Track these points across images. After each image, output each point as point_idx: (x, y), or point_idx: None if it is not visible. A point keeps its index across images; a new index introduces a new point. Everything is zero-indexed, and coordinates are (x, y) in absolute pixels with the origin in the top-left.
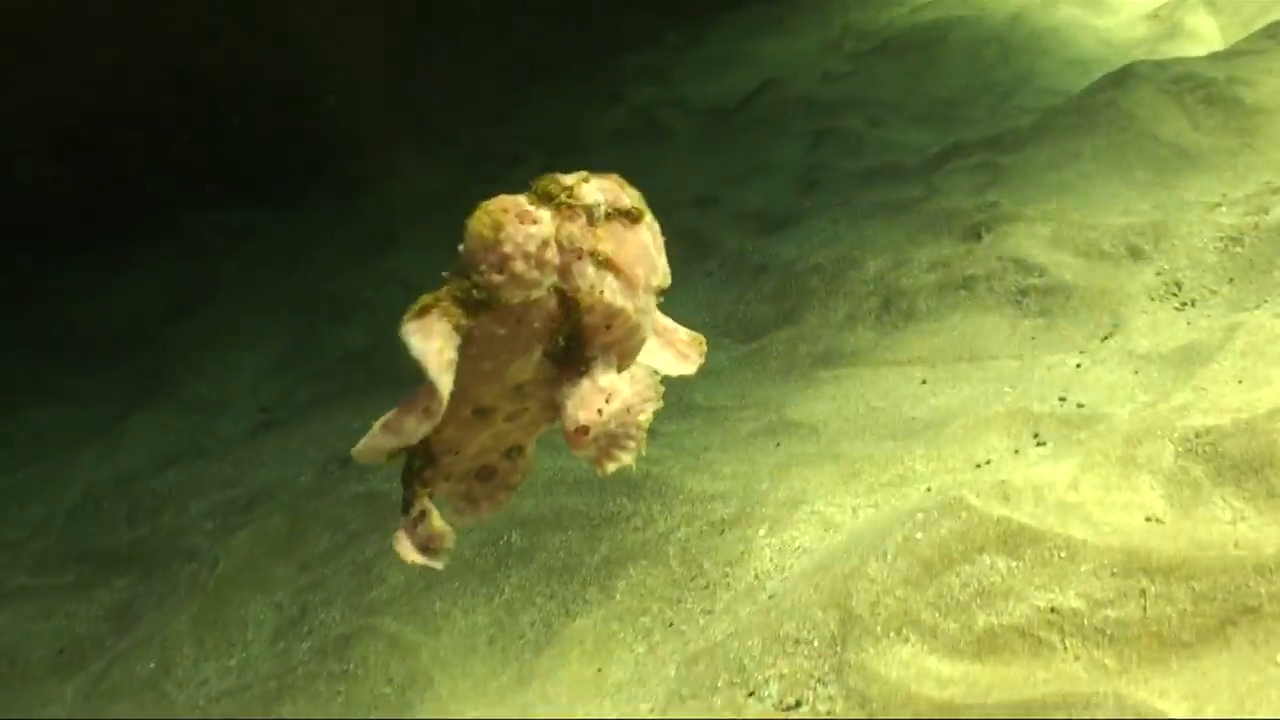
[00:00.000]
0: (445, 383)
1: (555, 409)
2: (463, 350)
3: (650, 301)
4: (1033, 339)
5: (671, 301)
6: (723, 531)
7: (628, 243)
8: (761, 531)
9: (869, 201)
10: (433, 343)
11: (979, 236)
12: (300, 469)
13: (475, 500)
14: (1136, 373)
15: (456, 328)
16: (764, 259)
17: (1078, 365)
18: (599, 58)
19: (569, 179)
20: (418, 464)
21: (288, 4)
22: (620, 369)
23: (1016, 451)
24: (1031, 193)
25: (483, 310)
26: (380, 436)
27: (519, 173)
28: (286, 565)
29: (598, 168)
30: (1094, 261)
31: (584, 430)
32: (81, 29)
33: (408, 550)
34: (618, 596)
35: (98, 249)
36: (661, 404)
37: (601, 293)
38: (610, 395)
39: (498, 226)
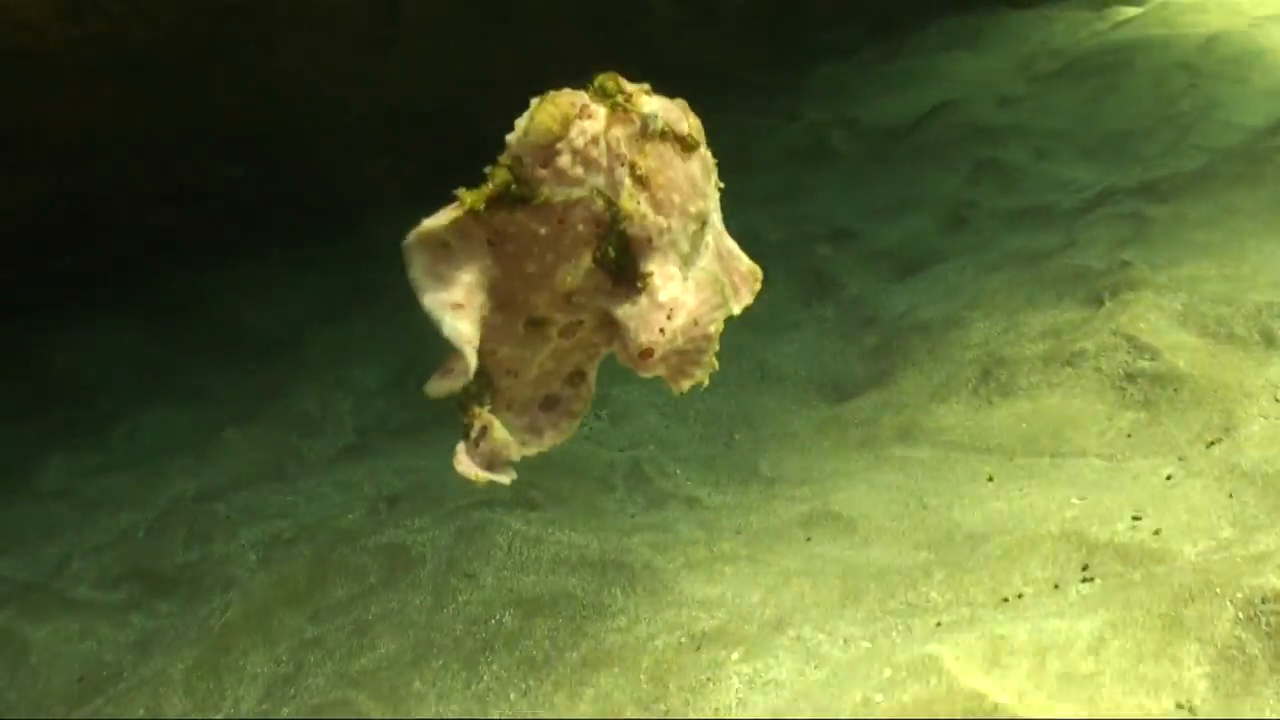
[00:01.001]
0: (429, 293)
1: (612, 327)
2: (499, 250)
3: (689, 227)
4: (1128, 436)
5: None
6: (699, 648)
7: (671, 167)
8: (735, 655)
9: (1004, 250)
10: (423, 257)
11: (1101, 303)
12: (352, 504)
13: (540, 430)
14: (1231, 495)
15: (483, 225)
16: (875, 309)
17: (1168, 476)
18: (786, 70)
19: (630, 85)
20: (474, 388)
21: (468, 18)
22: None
23: (1056, 586)
24: (1172, 253)
25: (519, 206)
26: (439, 381)
27: None
28: (298, 615)
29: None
30: (1219, 345)
31: (649, 352)
32: (267, 34)
33: (470, 469)
34: (582, 708)
35: (283, 251)
36: (731, 309)
37: (638, 204)
38: (672, 310)
39: (566, 121)
